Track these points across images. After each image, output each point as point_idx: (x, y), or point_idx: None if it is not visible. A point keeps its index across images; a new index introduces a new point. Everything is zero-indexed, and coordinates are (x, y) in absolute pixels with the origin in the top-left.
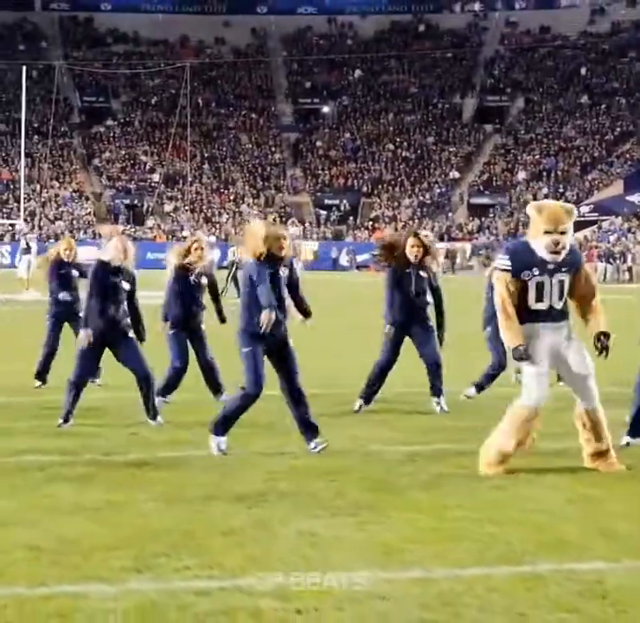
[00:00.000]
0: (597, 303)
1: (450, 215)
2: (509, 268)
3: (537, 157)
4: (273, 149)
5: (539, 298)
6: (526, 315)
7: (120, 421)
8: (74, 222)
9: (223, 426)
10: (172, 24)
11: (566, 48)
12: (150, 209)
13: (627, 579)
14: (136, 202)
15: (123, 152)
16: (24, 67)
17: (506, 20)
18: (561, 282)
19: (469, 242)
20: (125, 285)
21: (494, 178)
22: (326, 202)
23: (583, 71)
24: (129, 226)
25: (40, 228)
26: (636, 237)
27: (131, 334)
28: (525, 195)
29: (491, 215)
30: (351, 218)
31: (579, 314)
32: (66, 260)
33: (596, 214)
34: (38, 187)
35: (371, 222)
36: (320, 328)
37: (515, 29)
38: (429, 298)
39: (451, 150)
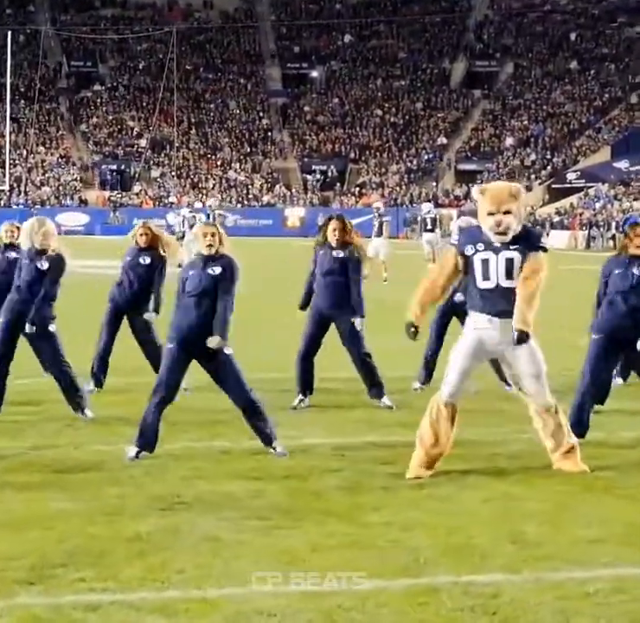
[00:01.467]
0: (529, 293)
1: (437, 181)
2: (456, 242)
3: (525, 122)
4: (261, 114)
5: (485, 276)
6: (475, 299)
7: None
8: (61, 188)
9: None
10: None
11: (555, 12)
12: (136, 175)
13: (522, 592)
14: (123, 167)
15: (110, 117)
16: (9, 33)
17: None
18: (509, 260)
19: (456, 209)
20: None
21: (482, 144)
22: (313, 167)
23: (572, 36)
24: (116, 192)
25: (26, 193)
26: (621, 205)
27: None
28: (512, 161)
29: (479, 181)
30: (338, 184)
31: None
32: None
33: (583, 180)
34: (25, 152)
35: (358, 189)
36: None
37: None
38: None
39: (439, 115)
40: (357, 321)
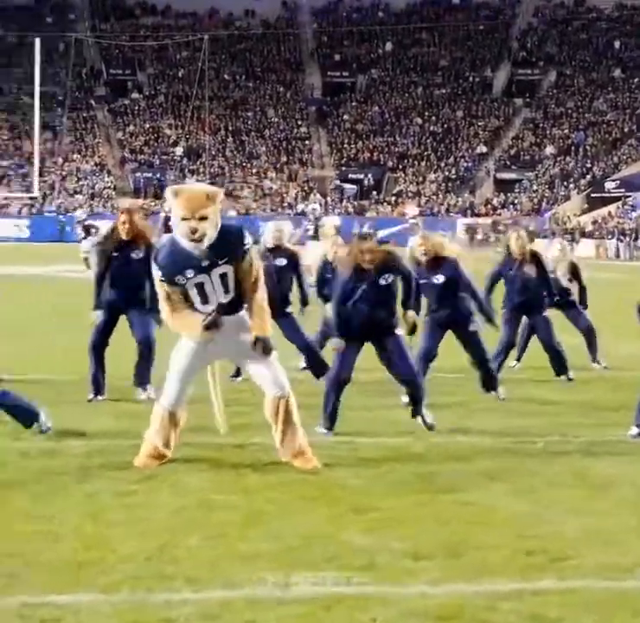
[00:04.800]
0: (257, 299)
1: (475, 190)
2: (162, 278)
3: (566, 131)
4: (299, 122)
5: (204, 301)
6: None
7: None
8: (94, 196)
9: None
10: None
11: (600, 20)
12: (170, 183)
13: None
14: (157, 175)
15: (147, 125)
16: (37, 40)
17: None
18: (223, 275)
19: (490, 218)
20: None
21: (521, 153)
22: (350, 176)
23: (617, 44)
24: (148, 200)
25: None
26: None
27: None
28: (552, 170)
29: (517, 191)
30: (374, 192)
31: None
32: None
33: (622, 189)
34: (60, 160)
35: (395, 197)
36: None
37: (550, 1)
38: None
39: (479, 124)
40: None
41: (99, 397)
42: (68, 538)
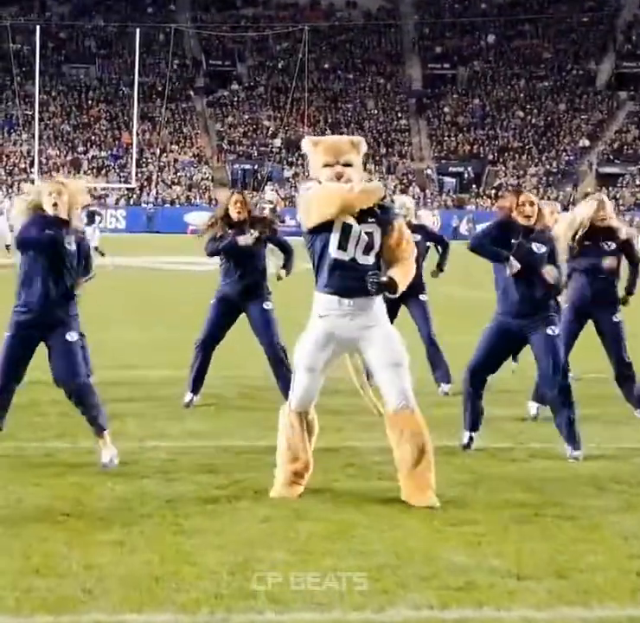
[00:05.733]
0: (405, 265)
1: (577, 184)
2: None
3: None
4: (399, 114)
5: (342, 245)
6: (325, 275)
7: None
8: (192, 187)
9: None
10: None
11: None
12: (269, 175)
13: None
14: (256, 167)
15: (246, 117)
16: (137, 31)
17: None
18: (369, 234)
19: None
20: None
21: (625, 147)
22: (450, 169)
23: None
24: (246, 191)
25: (157, 192)
26: None
27: None
28: None
29: (619, 185)
30: (474, 186)
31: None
32: None
33: None
34: (158, 151)
35: (494, 191)
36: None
37: None
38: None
39: (582, 117)
40: None
41: (195, 398)
42: (145, 550)
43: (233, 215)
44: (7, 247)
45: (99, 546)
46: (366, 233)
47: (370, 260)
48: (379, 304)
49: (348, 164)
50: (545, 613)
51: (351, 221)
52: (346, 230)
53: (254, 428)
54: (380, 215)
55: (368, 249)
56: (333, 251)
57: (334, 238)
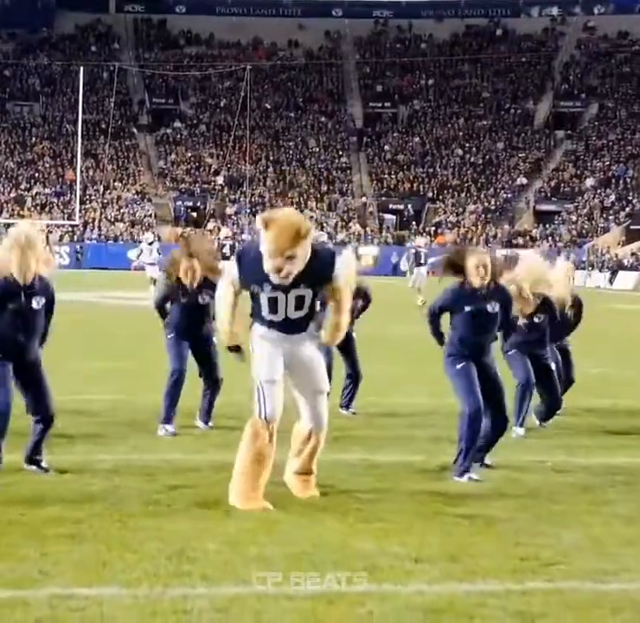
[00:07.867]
0: (337, 320)
1: (514, 221)
2: (237, 276)
3: (607, 163)
4: (340, 152)
5: (273, 311)
6: (262, 321)
7: None
8: (135, 224)
9: None
10: (246, 27)
11: None
12: (211, 212)
13: None
14: (198, 204)
15: (188, 154)
16: (81, 69)
17: (584, 25)
18: (300, 297)
19: (527, 250)
20: None
21: (562, 185)
22: (391, 206)
23: None
24: (189, 228)
25: (99, 229)
26: None
27: None
28: (592, 202)
29: (556, 222)
30: (414, 223)
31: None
32: None
33: None
34: (101, 188)
35: (434, 228)
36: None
37: (593, 34)
38: None
39: (520, 155)
40: None
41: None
42: (94, 541)
43: (186, 281)
44: None
45: (53, 538)
46: (297, 296)
47: (302, 313)
48: (313, 333)
49: (291, 257)
50: (436, 587)
51: (277, 293)
52: (272, 301)
53: (192, 444)
54: (313, 278)
55: (298, 307)
56: (266, 314)
57: (264, 305)
